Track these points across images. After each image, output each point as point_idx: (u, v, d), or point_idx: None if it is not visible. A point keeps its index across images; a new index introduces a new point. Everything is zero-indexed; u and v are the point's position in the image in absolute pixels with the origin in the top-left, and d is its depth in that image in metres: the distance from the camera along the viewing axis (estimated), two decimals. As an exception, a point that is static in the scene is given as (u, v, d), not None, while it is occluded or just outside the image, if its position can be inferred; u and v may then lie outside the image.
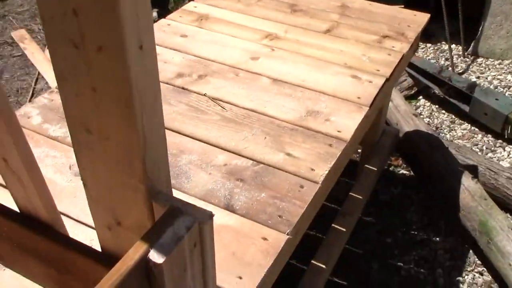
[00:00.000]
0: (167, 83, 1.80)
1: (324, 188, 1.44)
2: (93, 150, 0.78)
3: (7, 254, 1.01)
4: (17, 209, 0.98)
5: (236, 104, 1.70)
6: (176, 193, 1.35)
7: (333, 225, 2.08)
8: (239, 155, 1.49)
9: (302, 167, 1.45)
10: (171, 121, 1.63)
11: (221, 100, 1.72)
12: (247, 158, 1.48)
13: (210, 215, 0.76)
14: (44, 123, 1.61)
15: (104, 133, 0.75)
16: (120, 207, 0.82)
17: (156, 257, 0.69)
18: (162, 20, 2.22)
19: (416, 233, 2.38)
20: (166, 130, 1.57)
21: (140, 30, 0.66)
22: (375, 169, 2.35)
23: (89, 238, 1.17)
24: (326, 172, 1.43)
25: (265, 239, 1.23)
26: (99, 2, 0.62)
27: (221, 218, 1.28)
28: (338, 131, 1.58)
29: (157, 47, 2.03)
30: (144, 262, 0.69)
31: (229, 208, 1.31)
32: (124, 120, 0.71)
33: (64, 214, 1.28)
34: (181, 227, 0.73)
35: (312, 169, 1.44)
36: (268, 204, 1.33)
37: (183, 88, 1.78)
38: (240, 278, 1.14)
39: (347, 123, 1.62)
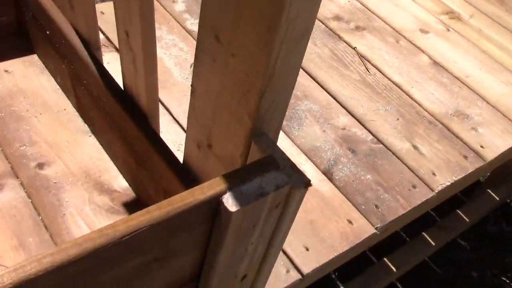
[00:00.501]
0: (321, 21, 1.67)
1: (437, 199, 1.27)
2: (215, 61, 0.69)
3: (98, 124, 0.98)
4: (122, 86, 0.93)
5: (382, 72, 1.53)
6: (280, 135, 1.25)
7: (424, 233, 1.89)
8: (363, 125, 1.35)
9: (424, 166, 1.28)
10: (308, 62, 1.50)
11: (368, 61, 1.56)
12: (370, 132, 1.33)
13: (307, 183, 0.65)
14: (185, 12, 1.56)
15: (233, 47, 0.65)
16: (217, 131, 0.73)
17: (230, 203, 0.60)
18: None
19: (508, 281, 2.12)
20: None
21: None
22: (497, 198, 2.09)
23: (179, 142, 1.12)
24: (448, 184, 1.25)
25: (350, 222, 1.11)
26: None
27: (315, 181, 1.17)
28: (481, 146, 1.37)
29: (328, -21, 1.88)
30: (216, 203, 0.61)
31: (328, 174, 1.19)
32: (259, 43, 0.61)
33: (166, 108, 1.24)
34: (270, 183, 0.64)
35: (434, 174, 1.26)
36: (370, 188, 1.19)
37: (335, 33, 1.63)
38: (307, 249, 1.04)
39: (496, 142, 1.40)
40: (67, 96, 1.21)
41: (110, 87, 0.96)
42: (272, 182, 0.64)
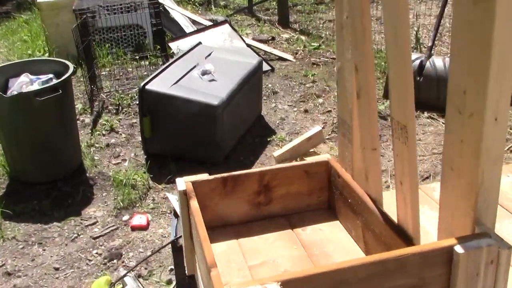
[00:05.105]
0: None
1: None
2: (448, 183, 1.21)
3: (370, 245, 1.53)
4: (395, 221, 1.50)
5: None
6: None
7: None
8: None
9: None
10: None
11: None
12: None
13: (510, 246, 1.08)
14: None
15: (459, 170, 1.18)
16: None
17: (459, 249, 1.07)
18: None
19: None
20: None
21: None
22: None
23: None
24: None
25: None
26: None
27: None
28: None
29: None
30: (451, 249, 1.08)
31: None
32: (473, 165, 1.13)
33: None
34: (485, 243, 1.08)
35: None
36: None
37: None
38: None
39: None
40: (357, 243, 1.80)
41: (389, 224, 1.52)
42: (486, 242, 1.08)
